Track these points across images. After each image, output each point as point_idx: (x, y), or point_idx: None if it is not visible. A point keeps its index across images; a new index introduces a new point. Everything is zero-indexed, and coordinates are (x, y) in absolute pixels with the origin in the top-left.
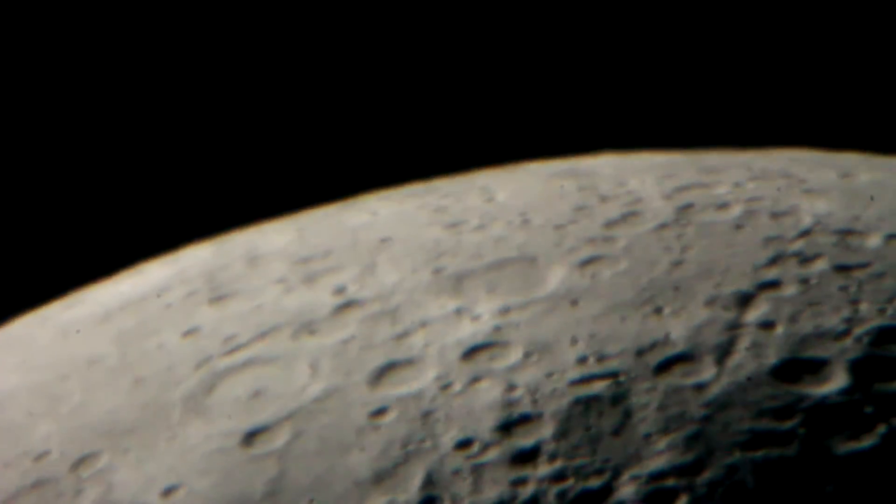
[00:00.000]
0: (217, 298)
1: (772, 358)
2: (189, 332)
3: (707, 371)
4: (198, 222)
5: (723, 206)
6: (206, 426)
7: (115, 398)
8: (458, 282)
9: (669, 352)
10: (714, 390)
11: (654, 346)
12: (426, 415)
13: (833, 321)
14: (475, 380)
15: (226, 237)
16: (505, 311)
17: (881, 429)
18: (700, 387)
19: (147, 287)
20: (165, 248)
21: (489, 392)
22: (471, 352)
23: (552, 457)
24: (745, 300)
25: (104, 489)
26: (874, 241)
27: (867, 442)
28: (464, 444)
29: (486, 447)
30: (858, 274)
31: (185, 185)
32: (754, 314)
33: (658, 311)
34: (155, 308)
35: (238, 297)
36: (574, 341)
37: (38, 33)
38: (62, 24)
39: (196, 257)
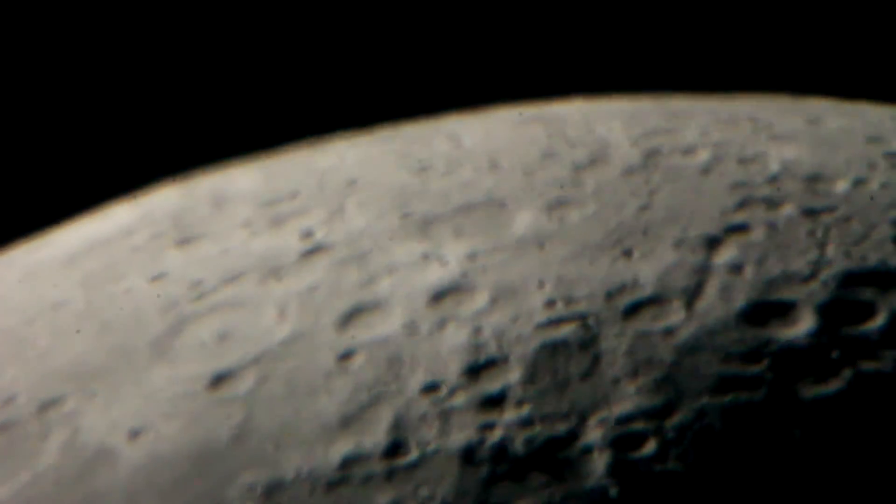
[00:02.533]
0: (183, 241)
1: (740, 301)
2: (156, 277)
3: (676, 315)
4: (164, 164)
5: (690, 151)
6: (173, 370)
7: (82, 342)
8: (426, 226)
9: (638, 295)
10: (683, 334)
11: (622, 289)
12: (393, 359)
13: (800, 264)
14: (442, 324)
15: (192, 179)
16: (472, 255)
17: (847, 373)
18: (669, 331)
19: (113, 229)
20: (131, 189)
21: (456, 336)
22: (438, 296)
23: (519, 402)
24: (713, 243)
25: (71, 432)
26: (842, 185)
27: (834, 386)
28: (431, 389)
29: (453, 391)
30: (826, 218)
31: (151, 127)
32: (722, 257)
33: (627, 254)
34: (121, 251)
35: (205, 240)
36: (541, 285)
37: None
38: None
39: (162, 199)
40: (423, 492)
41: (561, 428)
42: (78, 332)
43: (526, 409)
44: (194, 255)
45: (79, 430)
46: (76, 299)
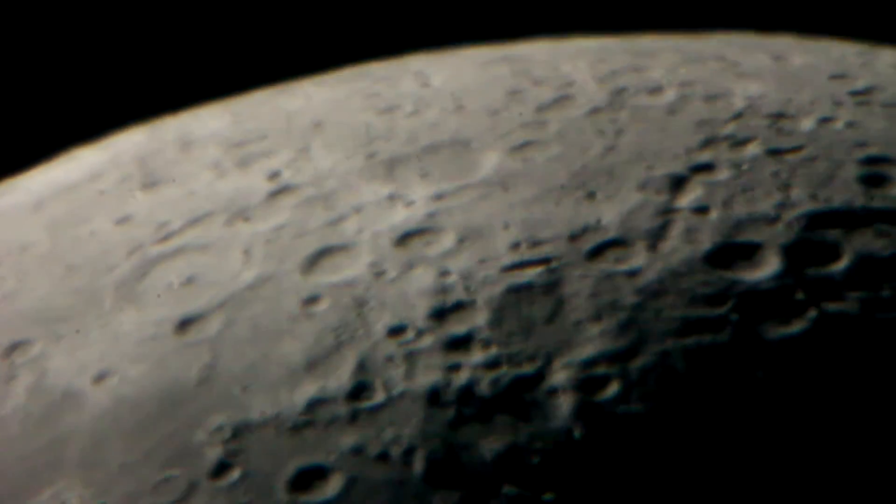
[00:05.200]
0: (150, 184)
1: (705, 243)
2: (122, 219)
3: (639, 257)
4: (130, 107)
5: (656, 89)
6: (139, 313)
7: (48, 285)
8: (392, 167)
9: (602, 237)
10: (647, 277)
11: (586, 231)
12: (359, 302)
13: (766, 206)
14: (408, 266)
15: (159, 122)
16: (438, 196)
17: (812, 313)
18: (632, 273)
19: (80, 173)
20: (98, 133)
21: (422, 279)
22: (404, 238)
23: (486, 344)
24: (677, 184)
25: (37, 375)
26: (807, 124)
27: (798, 327)
28: (397, 331)
29: (419, 334)
30: (791, 158)
31: (117, 70)
32: (687, 198)
33: (591, 195)
34: (87, 194)
35: (171, 182)
36: (507, 227)
37: None
38: None
39: (129, 142)
40: (388, 434)
41: (526, 370)
42: (44, 274)
43: (492, 352)
44: (160, 197)
45: (45, 373)
46: (42, 242)
